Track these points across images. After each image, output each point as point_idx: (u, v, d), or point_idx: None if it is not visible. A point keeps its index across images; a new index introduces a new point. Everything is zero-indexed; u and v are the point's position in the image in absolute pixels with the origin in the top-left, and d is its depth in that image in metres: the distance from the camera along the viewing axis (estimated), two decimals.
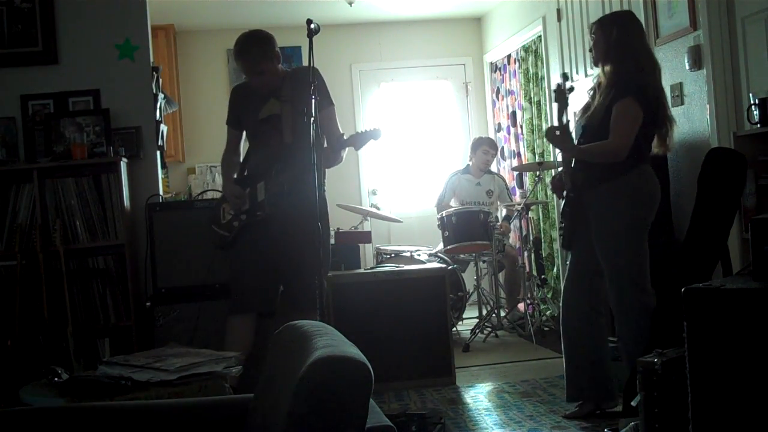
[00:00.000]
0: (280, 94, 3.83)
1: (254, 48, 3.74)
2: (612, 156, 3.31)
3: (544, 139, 6.31)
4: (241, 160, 4.05)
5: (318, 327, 1.91)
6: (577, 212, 3.47)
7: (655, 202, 3.42)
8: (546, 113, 6.20)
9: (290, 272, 3.80)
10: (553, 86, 3.47)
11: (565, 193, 3.53)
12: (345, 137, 3.83)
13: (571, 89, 3.44)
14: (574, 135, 3.49)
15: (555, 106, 3.47)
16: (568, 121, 3.40)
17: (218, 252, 4.06)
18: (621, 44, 3.38)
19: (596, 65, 3.51)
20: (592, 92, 3.52)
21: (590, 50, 3.52)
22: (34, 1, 4.60)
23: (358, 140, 3.81)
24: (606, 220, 3.40)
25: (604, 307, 3.57)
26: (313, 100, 3.33)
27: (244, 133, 4.02)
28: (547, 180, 6.28)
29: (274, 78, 3.82)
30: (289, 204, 3.74)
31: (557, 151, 5.80)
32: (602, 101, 3.37)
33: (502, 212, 6.25)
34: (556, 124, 3.45)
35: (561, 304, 3.63)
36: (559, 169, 3.73)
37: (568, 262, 3.65)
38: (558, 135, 3.37)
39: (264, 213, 3.81)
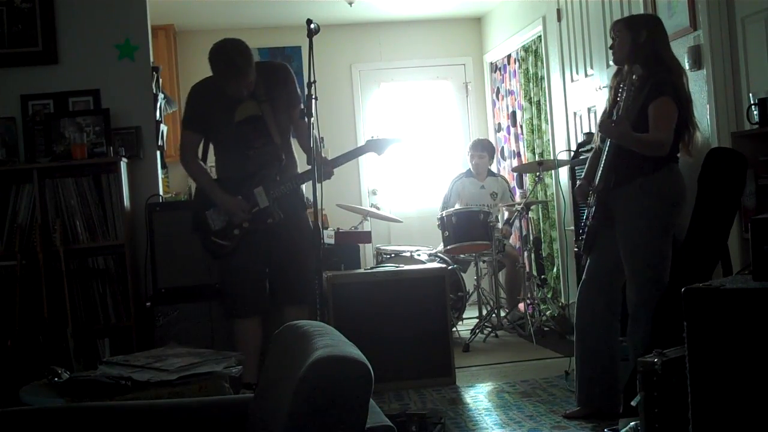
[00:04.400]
0: (256, 94, 3.73)
1: (246, 63, 3.59)
2: (657, 148, 3.29)
3: (544, 139, 6.32)
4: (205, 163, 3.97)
5: (318, 327, 1.91)
6: (604, 214, 3.47)
7: (681, 202, 3.40)
8: (546, 113, 6.20)
9: (292, 271, 3.81)
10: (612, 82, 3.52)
11: (590, 198, 3.53)
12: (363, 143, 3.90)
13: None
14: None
15: (623, 98, 3.48)
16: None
17: None
18: (650, 47, 3.38)
19: (618, 64, 3.49)
20: (612, 92, 3.49)
21: (610, 47, 3.50)
22: (34, 1, 4.60)
23: (379, 144, 3.84)
24: (632, 218, 3.39)
25: (620, 309, 3.56)
26: (314, 101, 3.33)
27: (204, 138, 3.89)
28: (547, 180, 6.28)
29: (252, 84, 3.69)
30: (291, 205, 3.74)
31: (558, 151, 5.81)
32: (635, 103, 3.34)
33: (504, 215, 6.23)
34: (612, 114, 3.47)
35: (576, 305, 3.62)
36: (581, 177, 3.74)
37: (585, 265, 3.63)
38: (613, 126, 3.34)
39: (275, 220, 3.76)
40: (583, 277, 3.62)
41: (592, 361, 3.53)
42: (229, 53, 3.57)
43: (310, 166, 3.34)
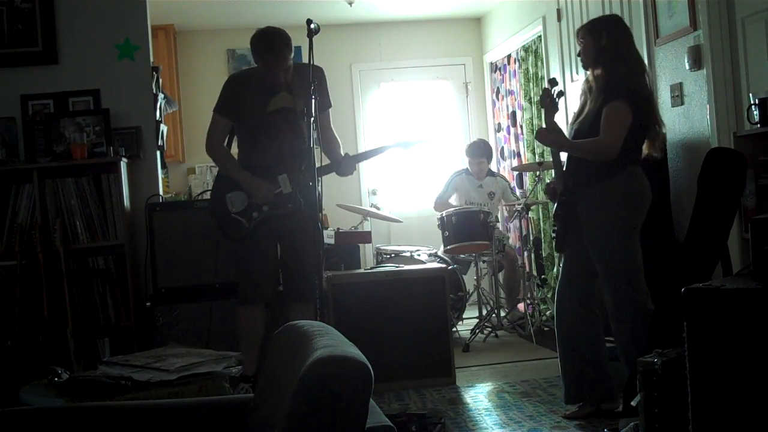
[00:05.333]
0: (291, 88, 3.83)
1: (285, 45, 3.76)
2: (602, 153, 3.32)
3: None
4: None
5: (318, 327, 1.91)
6: (569, 215, 3.49)
7: (644, 202, 3.44)
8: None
9: (296, 265, 3.84)
10: (541, 92, 3.54)
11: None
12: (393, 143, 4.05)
13: (561, 94, 3.48)
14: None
15: (543, 111, 3.51)
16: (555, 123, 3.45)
17: (219, 252, 4.06)
18: (611, 49, 3.40)
19: (586, 69, 3.54)
20: (582, 97, 3.54)
21: (578, 55, 3.54)
22: (34, 1, 4.60)
23: (406, 142, 4.01)
24: (596, 222, 3.42)
25: (598, 307, 3.57)
26: (314, 100, 3.34)
27: (231, 127, 3.99)
28: (548, 180, 6.27)
29: (289, 73, 3.83)
30: (308, 198, 3.76)
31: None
32: (593, 106, 3.40)
33: (504, 213, 6.22)
34: (544, 125, 3.50)
35: (555, 306, 3.64)
36: (554, 175, 3.75)
37: (561, 264, 3.66)
38: (548, 134, 3.39)
39: (295, 205, 3.80)
40: (559, 277, 3.64)
41: (575, 358, 3.55)
42: (268, 34, 3.79)
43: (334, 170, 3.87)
